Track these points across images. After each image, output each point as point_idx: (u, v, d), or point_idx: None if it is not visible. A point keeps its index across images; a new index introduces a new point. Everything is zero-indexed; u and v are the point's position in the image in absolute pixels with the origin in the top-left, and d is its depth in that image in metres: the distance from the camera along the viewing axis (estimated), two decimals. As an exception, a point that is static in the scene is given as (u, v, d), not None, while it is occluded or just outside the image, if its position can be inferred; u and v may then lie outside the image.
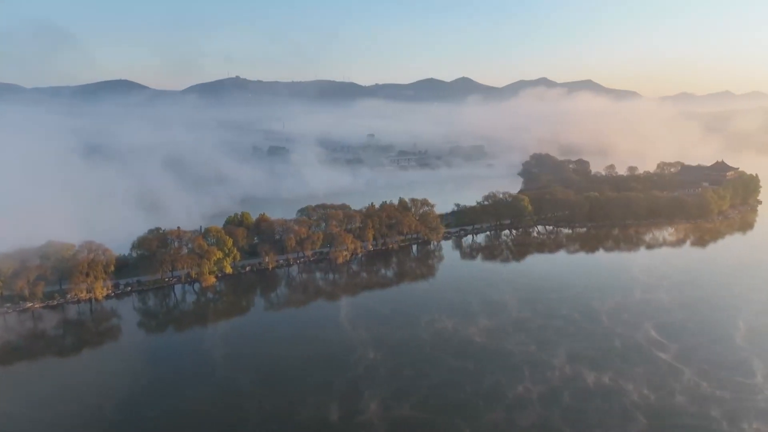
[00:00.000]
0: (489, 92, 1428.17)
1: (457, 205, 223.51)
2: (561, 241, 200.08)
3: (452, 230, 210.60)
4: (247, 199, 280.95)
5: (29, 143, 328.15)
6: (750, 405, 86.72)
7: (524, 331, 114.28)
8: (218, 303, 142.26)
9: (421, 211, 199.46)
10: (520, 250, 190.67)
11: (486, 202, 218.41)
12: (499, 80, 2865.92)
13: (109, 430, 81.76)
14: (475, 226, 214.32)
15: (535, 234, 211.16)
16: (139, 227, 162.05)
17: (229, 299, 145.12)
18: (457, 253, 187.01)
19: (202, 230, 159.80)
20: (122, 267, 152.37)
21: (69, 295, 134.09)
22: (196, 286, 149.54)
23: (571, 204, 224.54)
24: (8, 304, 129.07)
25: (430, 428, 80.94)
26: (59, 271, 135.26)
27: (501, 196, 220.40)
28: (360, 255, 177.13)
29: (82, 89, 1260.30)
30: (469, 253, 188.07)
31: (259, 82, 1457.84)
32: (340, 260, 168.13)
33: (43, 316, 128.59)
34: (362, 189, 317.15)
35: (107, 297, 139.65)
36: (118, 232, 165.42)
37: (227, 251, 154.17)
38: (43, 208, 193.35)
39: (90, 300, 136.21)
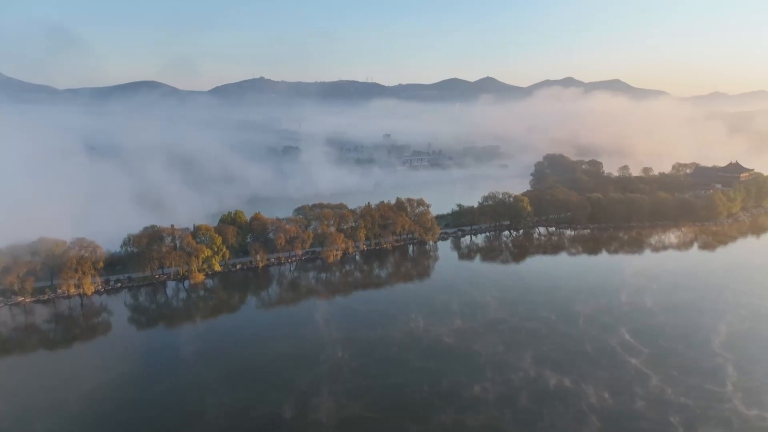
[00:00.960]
0: (512, 92, 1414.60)
1: (459, 205, 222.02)
2: (559, 243, 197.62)
3: (450, 230, 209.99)
4: (255, 198, 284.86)
5: (47, 143, 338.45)
6: (713, 413, 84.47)
7: (496, 333, 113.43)
8: (203, 300, 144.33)
9: (417, 211, 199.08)
10: (516, 251, 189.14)
11: (485, 203, 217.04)
12: (524, 80, 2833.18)
13: (66, 422, 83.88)
14: (474, 227, 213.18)
15: (535, 235, 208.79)
16: (141, 224, 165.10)
17: (215, 297, 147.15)
18: (450, 254, 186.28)
19: (194, 228, 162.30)
20: (116, 263, 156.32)
21: (59, 291, 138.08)
22: (187, 283, 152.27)
23: (573, 205, 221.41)
24: (0, 298, 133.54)
25: (376, 428, 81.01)
26: (50, 267, 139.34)
27: (501, 196, 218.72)
28: (353, 254, 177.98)
29: (112, 90, 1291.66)
30: (462, 254, 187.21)
31: (283, 82, 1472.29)
32: (331, 259, 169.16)
33: (33, 311, 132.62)
34: (370, 189, 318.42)
35: (98, 293, 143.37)
36: (120, 229, 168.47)
37: (216, 249, 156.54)
38: (51, 205, 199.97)
39: (80, 295, 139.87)
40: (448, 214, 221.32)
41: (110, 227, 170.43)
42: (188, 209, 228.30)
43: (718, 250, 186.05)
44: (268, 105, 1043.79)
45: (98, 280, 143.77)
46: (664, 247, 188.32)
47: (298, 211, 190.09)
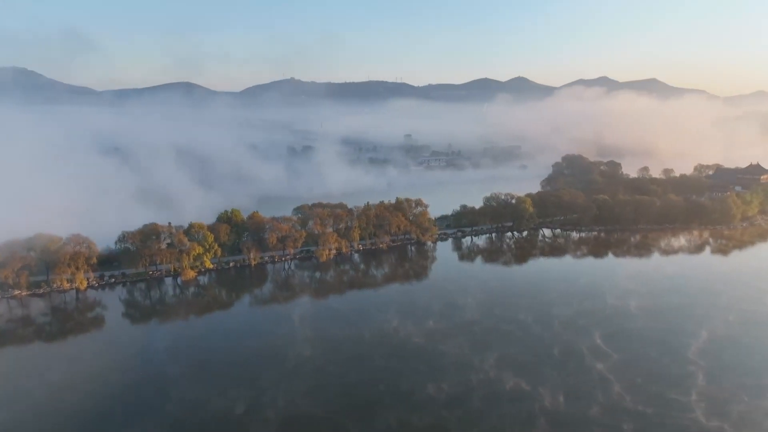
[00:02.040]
0: (543, 92, 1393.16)
1: (463, 206, 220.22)
2: (560, 245, 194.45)
3: (449, 231, 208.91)
4: (266, 197, 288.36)
5: (72, 143, 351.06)
6: (670, 422, 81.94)
7: (467, 334, 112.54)
8: (191, 297, 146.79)
9: (415, 211, 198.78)
10: (513, 253, 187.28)
11: (488, 204, 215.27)
12: (556, 80, 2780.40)
13: (26, 412, 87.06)
14: (475, 228, 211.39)
15: (538, 237, 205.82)
16: (148, 222, 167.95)
17: (203, 294, 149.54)
18: (445, 255, 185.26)
19: (188, 226, 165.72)
20: (113, 260, 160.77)
21: (54, 285, 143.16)
22: (180, 279, 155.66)
23: (579, 207, 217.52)
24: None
25: (317, 427, 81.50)
26: (46, 262, 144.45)
27: (503, 197, 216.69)
28: (348, 254, 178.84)
29: (148, 91, 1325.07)
30: (457, 255, 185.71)
31: (313, 83, 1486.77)
32: (324, 258, 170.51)
33: (28, 304, 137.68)
34: (383, 189, 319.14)
35: (92, 288, 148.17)
36: (127, 226, 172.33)
37: (208, 247, 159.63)
38: (63, 203, 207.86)
39: (75, 290, 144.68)
40: (451, 215, 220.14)
41: (119, 224, 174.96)
42: (197, 207, 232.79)
43: (724, 254, 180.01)
44: (296, 105, 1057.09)
45: (91, 275, 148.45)
46: (667, 251, 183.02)
47: (297, 210, 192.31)
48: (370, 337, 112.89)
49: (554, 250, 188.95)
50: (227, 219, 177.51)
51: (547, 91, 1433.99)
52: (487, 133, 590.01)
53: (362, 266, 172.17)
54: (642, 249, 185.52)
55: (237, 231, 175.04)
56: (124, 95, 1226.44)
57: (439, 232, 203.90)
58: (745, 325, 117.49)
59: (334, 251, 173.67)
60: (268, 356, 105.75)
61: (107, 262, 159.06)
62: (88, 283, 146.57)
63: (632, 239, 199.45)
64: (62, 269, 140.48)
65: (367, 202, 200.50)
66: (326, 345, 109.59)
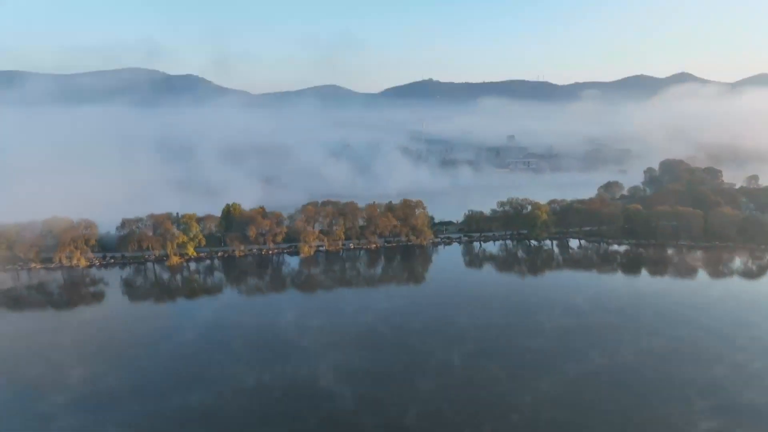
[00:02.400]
0: (713, 88, 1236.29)
1: (471, 210, 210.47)
2: (560, 258, 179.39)
3: (454, 236, 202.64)
4: (323, 194, 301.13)
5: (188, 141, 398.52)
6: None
7: (356, 336, 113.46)
8: (162, 280, 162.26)
9: (416, 213, 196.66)
10: (510, 262, 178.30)
11: (500, 209, 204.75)
12: (729, 75, 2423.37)
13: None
14: (485, 234, 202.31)
15: (554, 248, 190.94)
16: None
17: (177, 278, 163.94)
18: (435, 259, 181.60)
19: (179, 216, 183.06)
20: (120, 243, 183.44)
21: (58, 262, 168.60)
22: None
23: (605, 217, 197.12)
24: (20, 263, 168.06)
25: (110, 400, 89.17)
26: (57, 241, 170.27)
27: (520, 202, 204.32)
28: (335, 251, 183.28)
29: (296, 94, 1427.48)
30: (442, 261, 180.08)
31: (450, 83, 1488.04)
32: (305, 254, 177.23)
33: (37, 276, 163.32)
34: (445, 190, 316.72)
35: (94, 266, 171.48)
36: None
37: (192, 236, 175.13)
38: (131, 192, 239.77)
39: (79, 267, 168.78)
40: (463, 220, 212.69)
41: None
42: (250, 201, 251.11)
43: (730, 276, 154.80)
44: (427, 107, 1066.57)
45: (91, 255, 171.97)
46: (665, 270, 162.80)
47: (305, 207, 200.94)
48: (283, 329, 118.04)
49: (557, 262, 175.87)
50: (227, 212, 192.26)
51: (716, 87, 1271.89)
52: (608, 135, 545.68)
53: (334, 265, 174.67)
54: (643, 266, 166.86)
55: (235, 223, 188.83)
56: (272, 98, 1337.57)
57: (443, 236, 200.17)
58: (663, 355, 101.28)
59: (314, 248, 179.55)
60: (172, 333, 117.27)
61: (112, 244, 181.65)
62: (90, 263, 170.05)
63: (654, 255, 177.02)
64: (63, 248, 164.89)
65: (374, 201, 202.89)
66: (243, 331, 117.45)
